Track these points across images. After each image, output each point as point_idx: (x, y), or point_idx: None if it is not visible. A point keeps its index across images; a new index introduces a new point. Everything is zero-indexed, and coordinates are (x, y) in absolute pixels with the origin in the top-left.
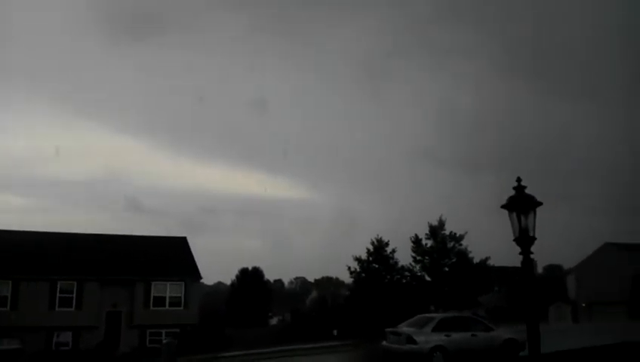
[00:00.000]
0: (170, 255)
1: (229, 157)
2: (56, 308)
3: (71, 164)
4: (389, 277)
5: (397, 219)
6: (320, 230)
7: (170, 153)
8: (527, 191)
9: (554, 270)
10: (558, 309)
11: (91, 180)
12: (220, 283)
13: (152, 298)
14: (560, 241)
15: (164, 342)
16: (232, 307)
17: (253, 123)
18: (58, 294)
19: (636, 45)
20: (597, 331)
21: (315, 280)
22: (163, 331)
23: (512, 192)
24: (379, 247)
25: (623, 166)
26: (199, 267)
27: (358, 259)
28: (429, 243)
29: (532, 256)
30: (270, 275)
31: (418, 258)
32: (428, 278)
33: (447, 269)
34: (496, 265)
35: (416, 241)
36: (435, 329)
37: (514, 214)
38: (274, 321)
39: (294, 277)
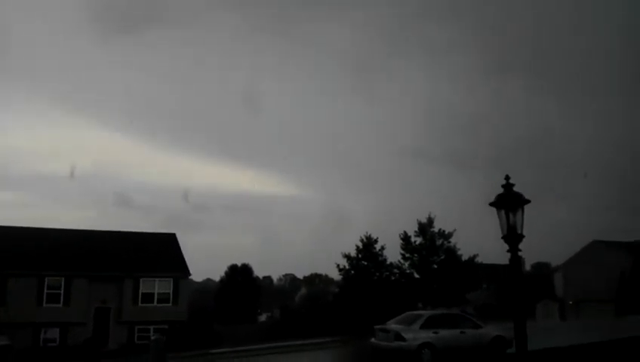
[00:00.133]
0: (159, 251)
1: (218, 153)
2: (44, 304)
3: (60, 160)
4: (377, 274)
5: (386, 216)
6: (309, 227)
7: (160, 149)
8: (515, 188)
9: (542, 268)
10: (545, 307)
11: (80, 176)
12: (208, 280)
13: (140, 294)
14: (548, 239)
15: (152, 338)
16: (221, 303)
17: (244, 119)
18: (46, 290)
19: (630, 44)
20: (584, 329)
21: (305, 277)
22: (152, 327)
23: (501, 190)
24: (368, 244)
25: (611, 164)
26: (188, 263)
27: (348, 256)
28: (418, 240)
29: (520, 253)
30: (259, 272)
31: (407, 255)
32: (417, 275)
33: (435, 266)
34: (485, 262)
35: (405, 239)
36: (423, 327)
37: (502, 212)
38: (263, 318)
39: (283, 273)
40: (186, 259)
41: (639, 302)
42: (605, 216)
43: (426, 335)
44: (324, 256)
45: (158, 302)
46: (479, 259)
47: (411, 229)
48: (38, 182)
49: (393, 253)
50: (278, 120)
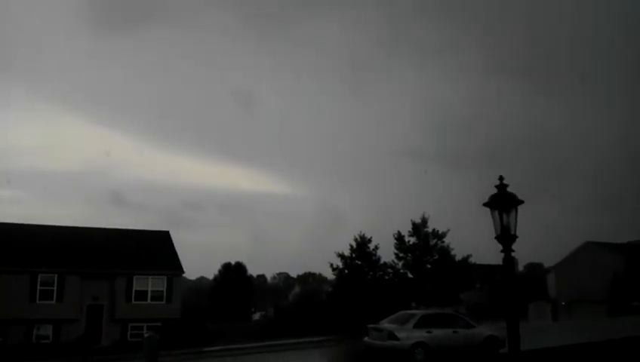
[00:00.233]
0: (152, 249)
1: (213, 152)
2: (37, 301)
3: (55, 157)
4: (371, 273)
5: (381, 216)
6: (304, 226)
7: (154, 147)
8: (509, 189)
9: (535, 268)
10: (538, 307)
11: (75, 173)
12: (202, 278)
13: (134, 292)
14: (541, 240)
15: (145, 336)
16: (215, 302)
17: (237, 118)
18: (39, 287)
19: (630, 44)
20: (576, 329)
21: (298, 275)
22: (145, 325)
23: (495, 190)
24: (362, 244)
25: (605, 166)
26: (182, 261)
27: (341, 256)
28: (412, 240)
29: (513, 253)
30: (253, 270)
31: (401, 255)
32: (410, 275)
33: (429, 266)
34: (479, 262)
35: (399, 238)
36: (416, 326)
37: (496, 212)
38: (256, 316)
39: (277, 272)
40: (180, 257)
41: (631, 303)
42: (599, 217)
43: (420, 335)
44: (318, 255)
45: (151, 300)
46: (473, 259)
47: (405, 229)
48: (33, 179)
49: (387, 253)
50: (274, 119)
